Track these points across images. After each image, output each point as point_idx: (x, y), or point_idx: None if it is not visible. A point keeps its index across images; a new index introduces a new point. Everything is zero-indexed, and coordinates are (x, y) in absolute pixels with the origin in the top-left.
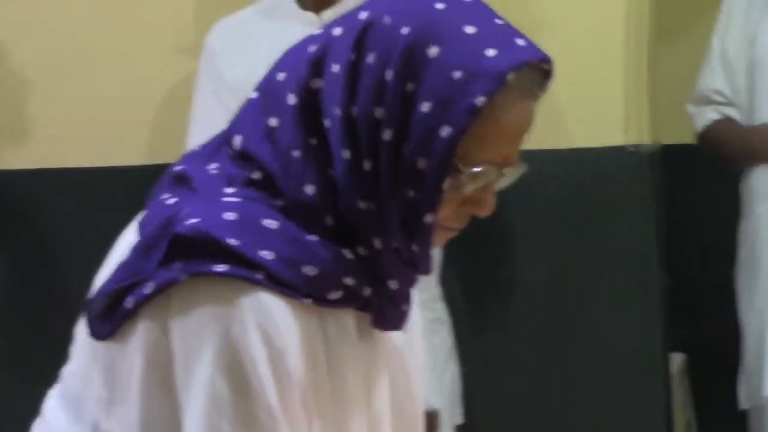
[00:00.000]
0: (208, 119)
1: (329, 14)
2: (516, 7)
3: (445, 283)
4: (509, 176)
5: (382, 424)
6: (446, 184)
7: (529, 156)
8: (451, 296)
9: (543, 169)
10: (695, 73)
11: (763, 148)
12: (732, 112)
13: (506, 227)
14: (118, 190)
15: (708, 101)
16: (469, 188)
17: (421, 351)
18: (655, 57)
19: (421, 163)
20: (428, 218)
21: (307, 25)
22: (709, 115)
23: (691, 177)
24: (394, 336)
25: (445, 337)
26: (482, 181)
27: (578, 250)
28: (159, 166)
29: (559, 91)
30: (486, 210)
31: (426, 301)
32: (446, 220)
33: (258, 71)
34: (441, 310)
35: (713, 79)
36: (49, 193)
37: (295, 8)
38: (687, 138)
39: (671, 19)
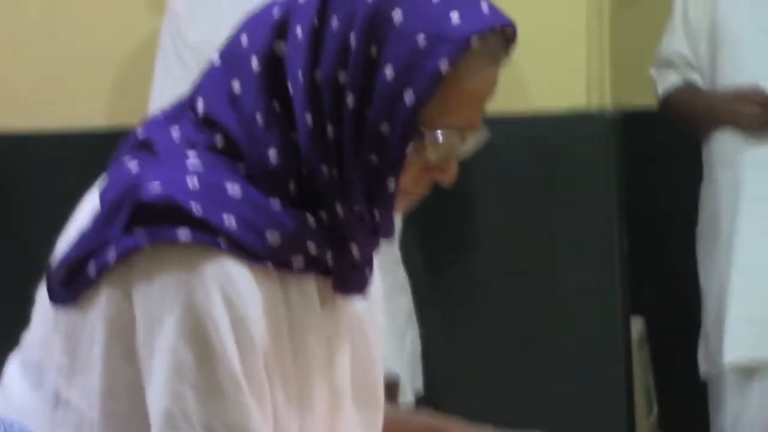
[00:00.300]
0: (171, 82)
1: None
2: None
3: (405, 247)
4: (472, 142)
5: (344, 392)
6: (409, 149)
7: (492, 120)
8: (411, 261)
9: (506, 133)
10: (657, 37)
11: (725, 113)
12: (694, 76)
13: (468, 192)
14: (81, 153)
15: (670, 65)
16: (432, 153)
17: (381, 317)
18: (616, 21)
19: (385, 128)
20: (391, 183)
21: None
22: (671, 79)
23: (654, 141)
24: (355, 302)
25: (405, 302)
26: (445, 147)
27: (540, 214)
28: (121, 129)
29: (520, 55)
30: (449, 176)
31: (386, 265)
32: (409, 186)
33: (221, 33)
34: (401, 274)
35: (675, 42)
36: (10, 156)
37: None
38: (650, 102)
39: None
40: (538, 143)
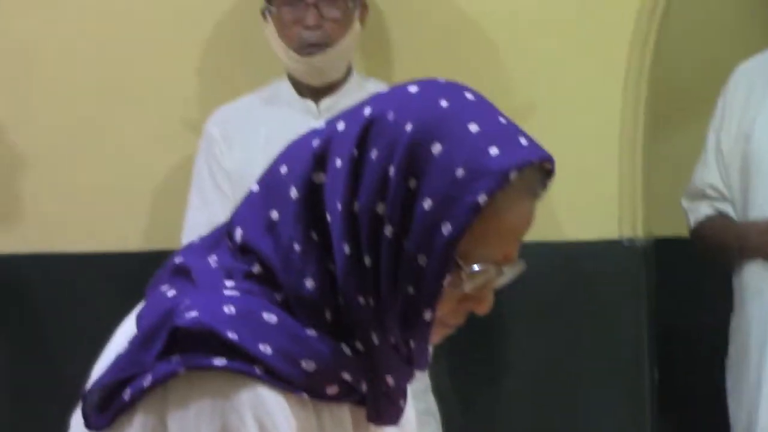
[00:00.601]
0: (206, 206)
1: (327, 102)
2: (510, 98)
3: (436, 375)
4: (508, 274)
5: None
6: (446, 281)
7: (524, 248)
8: (442, 388)
9: (537, 261)
10: (689, 165)
11: (757, 244)
12: (726, 208)
13: (498, 320)
14: (116, 275)
15: (702, 196)
16: (469, 286)
17: None
18: (649, 150)
19: (422, 260)
20: (427, 315)
21: (305, 113)
22: (703, 210)
23: (685, 270)
24: (388, 430)
25: (435, 429)
26: (482, 279)
27: (570, 344)
28: (157, 252)
29: (554, 183)
30: (484, 308)
31: (417, 393)
32: (444, 317)
33: (256, 159)
34: (432, 401)
35: (708, 174)
36: (45, 278)
37: (294, 96)
38: (681, 231)
39: (666, 112)
40: (569, 271)
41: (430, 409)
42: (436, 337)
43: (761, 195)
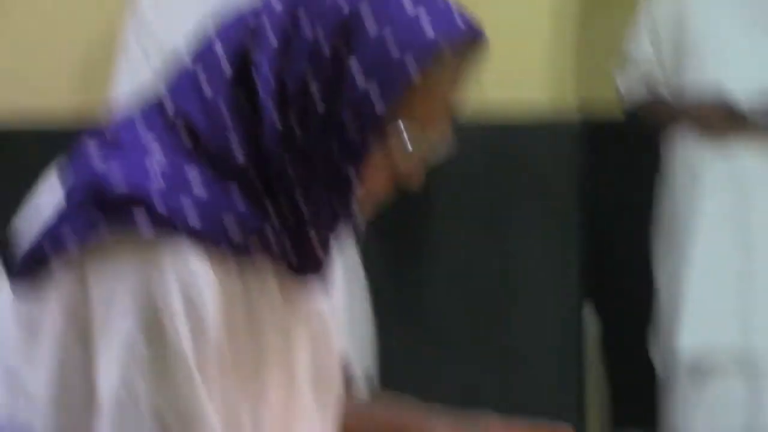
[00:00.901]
0: (134, 72)
1: None
2: None
3: (365, 251)
4: (440, 147)
5: (301, 383)
6: (375, 149)
7: (455, 128)
8: (371, 264)
9: (469, 141)
10: (622, 44)
11: (690, 126)
12: (657, 76)
13: (428, 199)
14: (43, 147)
15: (634, 64)
16: (398, 154)
17: (342, 313)
18: (582, 28)
19: (352, 130)
20: (350, 172)
21: None
22: (635, 84)
23: (615, 146)
24: (316, 298)
25: (362, 301)
26: (412, 149)
27: (502, 222)
28: (86, 118)
29: (485, 61)
30: (415, 179)
31: (346, 267)
32: (374, 190)
33: (186, 30)
34: (361, 276)
35: (639, 42)
36: None
37: None
38: (612, 106)
39: None
40: (501, 150)
41: (359, 283)
42: (367, 210)
43: (694, 62)
